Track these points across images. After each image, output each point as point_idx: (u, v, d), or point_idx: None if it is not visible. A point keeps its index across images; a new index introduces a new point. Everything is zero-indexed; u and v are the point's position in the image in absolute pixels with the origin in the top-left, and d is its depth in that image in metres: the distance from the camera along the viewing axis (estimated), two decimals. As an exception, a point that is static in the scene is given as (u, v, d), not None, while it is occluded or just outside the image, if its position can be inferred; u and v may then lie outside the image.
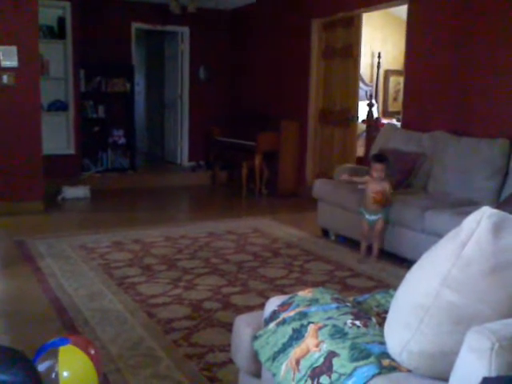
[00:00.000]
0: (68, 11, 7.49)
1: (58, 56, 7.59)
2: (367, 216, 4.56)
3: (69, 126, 7.75)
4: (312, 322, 1.74)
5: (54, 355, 2.04)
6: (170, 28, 9.05)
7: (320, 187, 5.45)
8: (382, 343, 1.58)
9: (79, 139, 7.85)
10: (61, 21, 7.52)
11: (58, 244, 4.91)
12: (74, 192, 7.11)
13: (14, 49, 5.86)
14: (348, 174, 4.91)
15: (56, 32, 7.55)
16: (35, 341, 2.85)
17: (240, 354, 2.05)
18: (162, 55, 10.03)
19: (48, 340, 2.20)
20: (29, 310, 3.46)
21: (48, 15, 7.39)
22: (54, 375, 2.01)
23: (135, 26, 8.71)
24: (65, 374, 2.02)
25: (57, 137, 7.66)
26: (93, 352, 2.14)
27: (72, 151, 7.79)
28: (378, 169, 4.43)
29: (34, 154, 6.13)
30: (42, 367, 2.02)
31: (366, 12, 6.53)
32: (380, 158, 4.56)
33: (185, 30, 9.06)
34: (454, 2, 5.22)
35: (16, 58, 5.86)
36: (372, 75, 8.67)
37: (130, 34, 8.64)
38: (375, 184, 4.49)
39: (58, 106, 7.67)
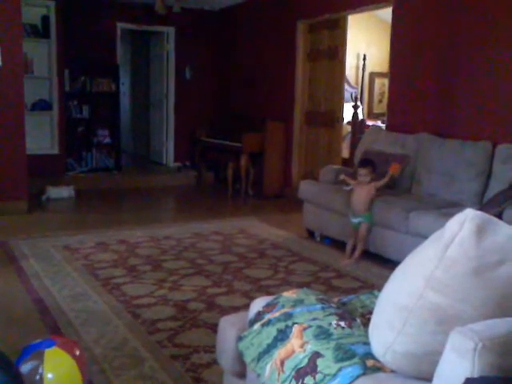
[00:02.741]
0: (52, 10, 7.43)
1: (42, 55, 7.53)
2: (352, 219, 4.60)
3: (53, 126, 7.70)
4: (297, 323, 1.74)
5: (39, 357, 2.03)
6: (155, 28, 9.03)
7: (305, 188, 5.46)
8: (367, 344, 1.59)
9: (63, 139, 7.79)
10: (45, 20, 7.46)
11: (42, 244, 4.87)
12: (58, 192, 7.06)
13: (-3, 47, 5.79)
14: (345, 175, 4.87)
15: (40, 31, 7.49)
16: (18, 342, 2.82)
17: (225, 355, 2.05)
18: (147, 55, 10.00)
19: (31, 341, 2.18)
20: (11, 311, 3.42)
21: (32, 14, 7.33)
22: (38, 377, 1.99)
23: (120, 25, 8.67)
24: (49, 375, 2.00)
25: (41, 137, 7.61)
26: (78, 354, 2.12)
27: (56, 151, 7.73)
28: (361, 173, 4.52)
29: (18, 153, 6.06)
30: (26, 369, 2.00)
31: (351, 14, 6.56)
32: (364, 162, 4.63)
33: (170, 30, 9.04)
34: (438, 5, 5.26)
35: (-1, 56, 5.80)
36: (357, 77, 8.71)
37: (115, 34, 8.60)
38: (359, 188, 4.55)
39: (42, 106, 7.61)
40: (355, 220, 4.58)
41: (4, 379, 1.72)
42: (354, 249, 4.65)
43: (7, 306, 3.51)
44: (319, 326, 1.69)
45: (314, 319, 1.75)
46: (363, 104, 8.66)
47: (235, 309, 3.43)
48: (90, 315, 3.35)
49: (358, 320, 1.77)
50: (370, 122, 8.07)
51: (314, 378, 1.52)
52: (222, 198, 7.67)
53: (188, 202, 7.67)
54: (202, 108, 9.19)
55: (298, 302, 1.90)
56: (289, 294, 1.99)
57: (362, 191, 4.55)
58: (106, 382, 2.57)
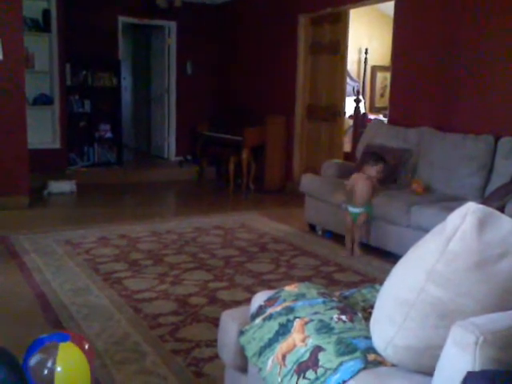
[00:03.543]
0: (53, 4, 7.40)
1: (43, 49, 7.50)
2: (351, 209, 4.59)
3: (54, 120, 7.69)
4: (298, 317, 1.74)
5: (53, 351, 2.03)
6: (157, 22, 9.00)
7: (307, 182, 5.45)
8: (368, 338, 1.58)
9: (65, 133, 7.78)
10: (46, 13, 7.44)
11: (43, 239, 4.87)
12: (60, 187, 7.06)
13: (-2, 41, 5.78)
14: (344, 189, 4.80)
15: (41, 25, 7.47)
16: (19, 336, 2.83)
17: (226, 349, 2.04)
18: (148, 49, 9.97)
19: (35, 335, 2.18)
20: (13, 306, 3.43)
21: (33, 8, 7.29)
22: (49, 370, 2.00)
23: (122, 19, 8.65)
24: (58, 368, 2.01)
25: (42, 131, 7.59)
26: (87, 348, 2.14)
27: (58, 145, 7.72)
28: (379, 170, 4.50)
29: (20, 148, 6.06)
30: (37, 360, 2.01)
31: (353, 8, 6.53)
32: (380, 158, 4.57)
33: (172, 25, 9.01)
34: (440, -1, 5.24)
35: (0, 50, 5.79)
36: (359, 71, 8.69)
37: (116, 28, 8.57)
38: (365, 180, 4.52)
39: (44, 100, 7.59)
40: (356, 210, 4.57)
41: (8, 375, 1.71)
42: (353, 242, 4.65)
43: (9, 301, 3.52)
44: (321, 320, 1.69)
45: (316, 313, 1.75)
46: (365, 98, 8.64)
47: (237, 303, 3.43)
48: (91, 310, 3.35)
49: (360, 314, 1.76)
50: (371, 116, 8.05)
51: (316, 372, 1.52)
52: (223, 192, 7.66)
53: (189, 196, 7.66)
54: (203, 102, 9.17)
55: (300, 296, 1.90)
56: (290, 288, 1.99)
57: (366, 183, 4.53)
58: (108, 376, 2.57)
